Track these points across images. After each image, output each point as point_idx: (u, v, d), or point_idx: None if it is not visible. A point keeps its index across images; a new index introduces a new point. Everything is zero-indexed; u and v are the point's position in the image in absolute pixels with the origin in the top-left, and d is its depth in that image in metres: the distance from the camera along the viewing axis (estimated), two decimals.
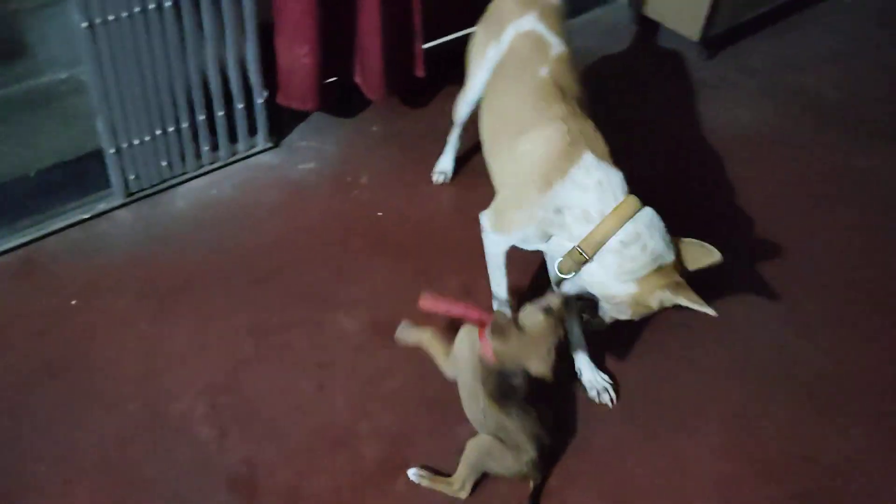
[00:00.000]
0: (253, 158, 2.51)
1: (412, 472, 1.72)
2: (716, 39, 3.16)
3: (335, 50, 2.45)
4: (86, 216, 2.23)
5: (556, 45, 1.87)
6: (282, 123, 2.60)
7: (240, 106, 2.37)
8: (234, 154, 2.47)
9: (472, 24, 2.17)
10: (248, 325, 2.01)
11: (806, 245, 2.38)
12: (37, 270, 2.10)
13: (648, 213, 1.62)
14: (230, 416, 1.81)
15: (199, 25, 2.14)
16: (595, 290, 1.69)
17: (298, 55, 2.35)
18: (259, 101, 2.41)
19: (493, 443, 1.66)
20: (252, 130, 2.47)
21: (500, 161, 1.81)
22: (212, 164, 2.43)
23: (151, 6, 2.01)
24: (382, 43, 2.41)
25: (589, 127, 1.70)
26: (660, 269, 1.60)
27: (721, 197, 2.53)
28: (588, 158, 1.63)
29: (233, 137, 2.44)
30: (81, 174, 2.27)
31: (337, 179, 2.47)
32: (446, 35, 2.93)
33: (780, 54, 3.25)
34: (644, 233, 1.59)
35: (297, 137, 2.62)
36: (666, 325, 2.07)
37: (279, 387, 1.88)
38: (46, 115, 2.30)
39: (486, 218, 1.82)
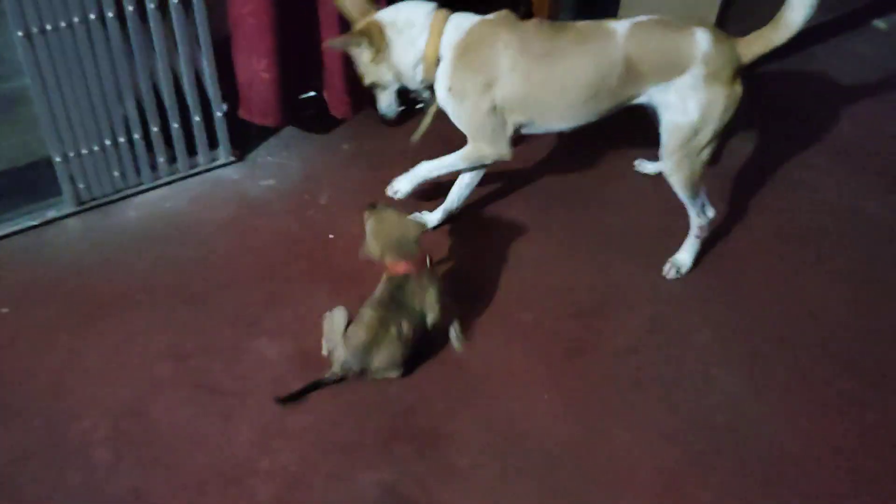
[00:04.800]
0: (214, 172, 2.47)
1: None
2: None
3: (300, 65, 2.40)
4: (34, 223, 2.23)
5: None
6: (249, 137, 2.57)
7: (196, 119, 2.33)
8: (193, 167, 2.43)
9: None
10: (169, 346, 1.96)
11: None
12: None
13: None
14: (130, 440, 1.76)
15: (148, 37, 2.11)
16: None
17: (257, 70, 2.31)
18: (218, 114, 2.36)
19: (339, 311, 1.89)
20: (213, 144, 2.43)
21: None
22: (170, 176, 2.40)
23: (92, 16, 1.98)
24: (343, 61, 2.34)
25: None
26: None
27: None
28: None
29: (192, 150, 2.41)
30: (33, 181, 2.26)
31: (295, 198, 2.41)
32: None
33: (807, 82, 3.06)
34: None
35: (264, 152, 2.57)
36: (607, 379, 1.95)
37: (186, 414, 1.82)
38: (5, 120, 2.30)
39: None
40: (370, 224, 1.92)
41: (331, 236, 2.28)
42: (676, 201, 2.14)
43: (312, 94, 2.60)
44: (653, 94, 1.98)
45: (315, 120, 2.64)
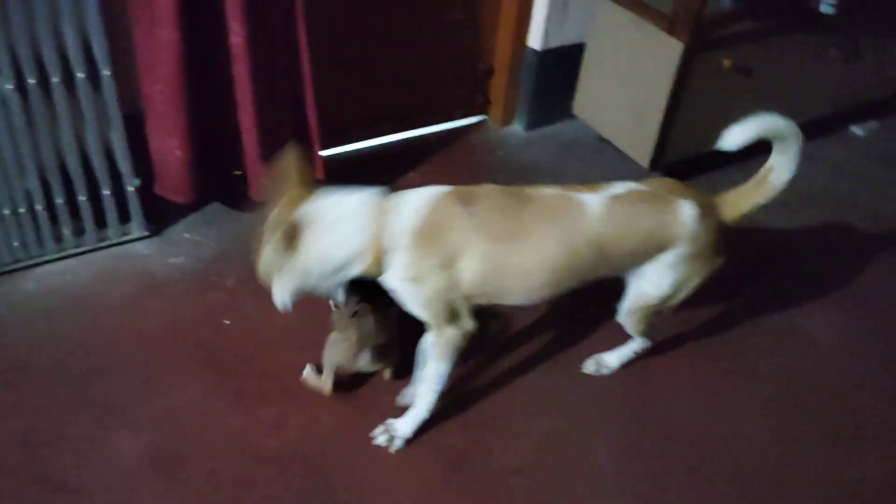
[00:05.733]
0: (124, 246, 2.41)
1: (306, 371, 2.00)
2: (677, 168, 2.88)
3: (217, 145, 2.35)
4: None
5: None
6: (168, 212, 2.51)
7: (106, 192, 2.28)
8: (102, 240, 2.37)
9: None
10: (25, 432, 1.86)
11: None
12: None
13: None
14: None
15: (53, 110, 2.07)
16: None
17: (170, 147, 2.26)
18: (130, 188, 2.31)
19: (333, 336, 1.90)
20: (124, 217, 2.37)
21: None
22: (76, 248, 2.34)
23: None
24: (261, 143, 2.30)
25: None
26: None
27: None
28: None
29: (102, 223, 2.35)
30: None
31: (200, 279, 2.33)
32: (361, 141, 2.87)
33: None
34: None
35: (182, 228, 2.51)
36: None
37: None
38: None
39: None
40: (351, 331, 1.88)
41: (226, 322, 2.19)
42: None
43: (240, 172, 2.54)
44: (629, 271, 1.85)
45: (243, 198, 2.58)
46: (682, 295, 1.87)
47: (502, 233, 1.67)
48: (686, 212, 1.73)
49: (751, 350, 2.28)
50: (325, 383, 1.96)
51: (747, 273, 2.52)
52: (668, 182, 1.82)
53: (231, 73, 2.19)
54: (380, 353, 1.91)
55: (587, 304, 2.29)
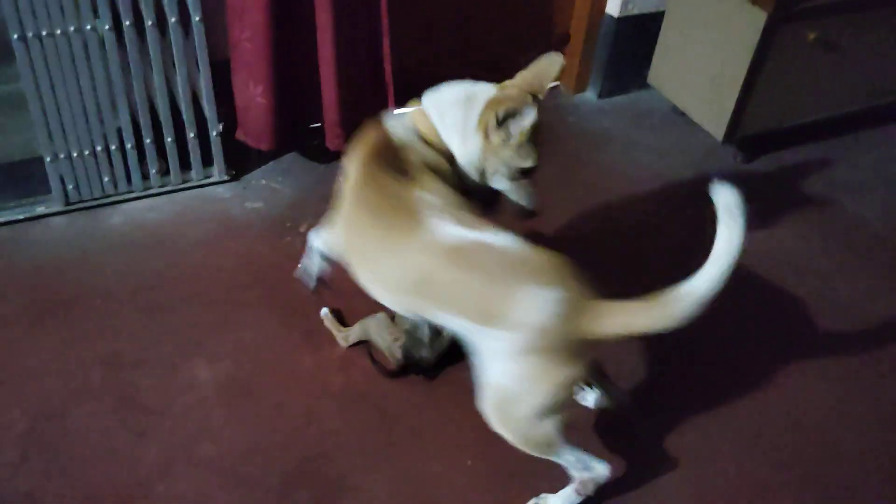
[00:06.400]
0: (205, 189, 2.51)
1: (324, 311, 2.07)
2: (752, 142, 2.85)
3: (298, 94, 2.41)
4: (21, 217, 2.31)
5: None
6: (248, 158, 2.60)
7: (191, 135, 2.37)
8: (185, 181, 2.47)
9: None
10: (107, 354, 1.98)
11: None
12: None
13: None
14: (40, 443, 1.77)
15: (146, 53, 2.17)
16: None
17: (253, 94, 2.33)
18: (213, 133, 2.40)
19: (384, 318, 1.95)
20: (207, 161, 2.47)
21: None
22: (161, 187, 2.45)
23: (88, 27, 2.05)
24: (339, 96, 2.35)
25: None
26: None
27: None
28: None
29: (187, 165, 2.45)
30: (28, 178, 2.34)
31: (276, 224, 2.42)
32: None
33: (829, 171, 2.89)
34: None
35: (261, 175, 2.60)
36: None
37: (102, 425, 1.82)
38: (12, 116, 2.40)
39: None
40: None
41: (300, 266, 2.26)
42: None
43: (319, 124, 2.61)
44: (464, 326, 1.47)
45: (320, 149, 2.65)
46: (533, 405, 1.46)
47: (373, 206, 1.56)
48: (535, 298, 1.35)
49: (817, 327, 2.25)
50: (346, 340, 2.02)
51: (818, 251, 2.49)
52: (562, 262, 1.41)
53: (314, 22, 2.24)
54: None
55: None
